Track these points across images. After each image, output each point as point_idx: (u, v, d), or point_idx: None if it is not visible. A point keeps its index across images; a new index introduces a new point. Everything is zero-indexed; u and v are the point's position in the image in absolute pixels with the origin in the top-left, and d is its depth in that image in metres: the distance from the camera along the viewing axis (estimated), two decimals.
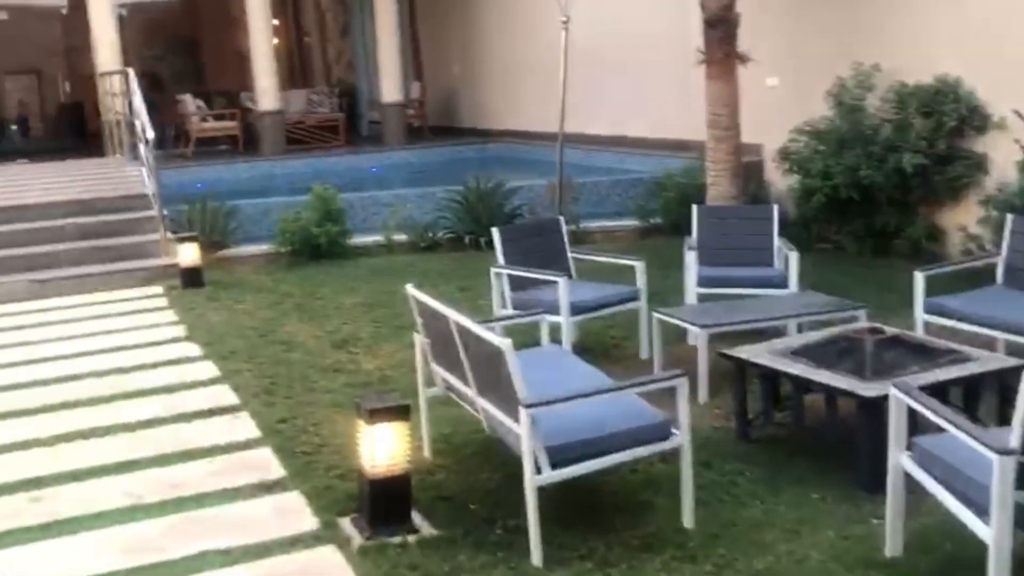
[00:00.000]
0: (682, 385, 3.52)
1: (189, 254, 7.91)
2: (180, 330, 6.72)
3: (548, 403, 3.35)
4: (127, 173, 10.52)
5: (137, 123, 9.12)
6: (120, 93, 11.37)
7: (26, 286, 8.12)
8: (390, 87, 14.86)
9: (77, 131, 18.40)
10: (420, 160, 14.63)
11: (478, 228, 9.24)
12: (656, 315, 5.28)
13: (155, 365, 5.91)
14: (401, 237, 9.47)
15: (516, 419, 3.31)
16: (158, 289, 8.05)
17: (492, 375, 3.47)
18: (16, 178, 10.88)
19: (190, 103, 14.89)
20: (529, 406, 3.27)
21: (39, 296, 7.99)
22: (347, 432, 4.17)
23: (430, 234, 9.43)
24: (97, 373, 5.76)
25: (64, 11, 20.75)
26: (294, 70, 22.06)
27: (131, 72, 9.31)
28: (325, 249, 9.03)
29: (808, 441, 4.29)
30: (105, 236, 8.95)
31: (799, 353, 4.25)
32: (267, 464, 4.31)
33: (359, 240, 9.44)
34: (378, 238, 9.54)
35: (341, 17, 20.37)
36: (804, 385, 4.14)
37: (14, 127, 18.51)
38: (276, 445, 4.51)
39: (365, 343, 6.28)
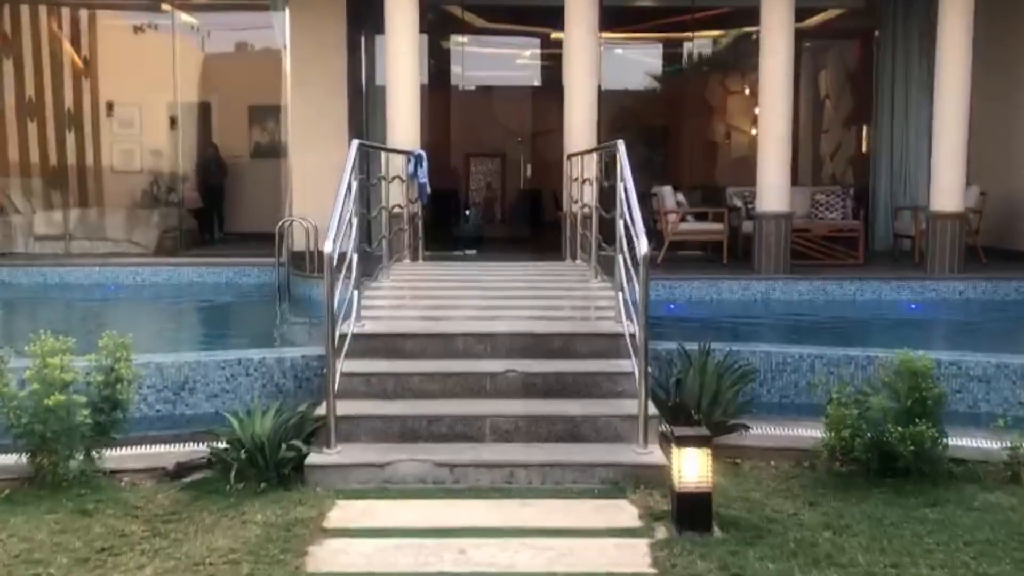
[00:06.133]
0: None
1: (693, 468, 4.31)
2: None
3: None
4: (594, 294, 7.27)
5: (620, 223, 5.89)
6: (594, 179, 8.43)
7: (427, 470, 5.07)
8: (944, 191, 10.58)
9: (532, 221, 16.39)
10: (982, 297, 10.23)
11: None
12: None
13: None
14: None
15: None
16: (630, 518, 4.53)
17: None
18: (451, 280, 8.20)
19: (669, 197, 11.72)
20: None
21: (441, 492, 4.91)
22: None
23: None
24: None
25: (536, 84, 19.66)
26: None
27: (621, 145, 6.09)
28: (907, 463, 5.13)
29: None
30: (555, 397, 5.65)
31: None
32: None
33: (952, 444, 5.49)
34: (986, 444, 5.55)
35: (850, 103, 16.56)
36: None
37: (468, 212, 16.84)
38: None
39: None
